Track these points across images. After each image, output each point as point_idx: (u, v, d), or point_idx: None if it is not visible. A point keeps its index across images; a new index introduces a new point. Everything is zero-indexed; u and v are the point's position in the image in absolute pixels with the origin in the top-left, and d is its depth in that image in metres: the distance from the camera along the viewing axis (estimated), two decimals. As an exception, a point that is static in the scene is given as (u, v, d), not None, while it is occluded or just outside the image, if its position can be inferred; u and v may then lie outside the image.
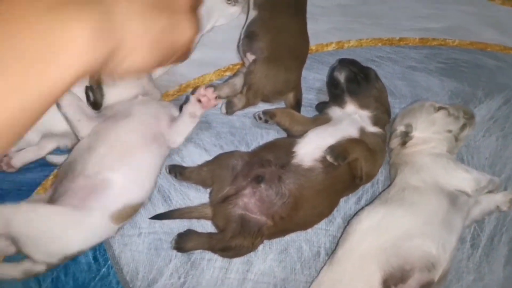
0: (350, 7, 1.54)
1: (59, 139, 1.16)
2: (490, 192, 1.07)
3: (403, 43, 1.44)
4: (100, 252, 1.05)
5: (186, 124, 1.08)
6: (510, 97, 1.33)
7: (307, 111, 1.27)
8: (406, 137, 1.10)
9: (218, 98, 1.28)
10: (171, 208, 1.09)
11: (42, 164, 1.17)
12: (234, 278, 1.04)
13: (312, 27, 1.38)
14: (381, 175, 1.15)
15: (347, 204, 1.13)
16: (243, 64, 1.35)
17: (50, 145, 1.16)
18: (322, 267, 1.01)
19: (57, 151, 1.17)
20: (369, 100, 1.15)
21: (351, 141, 1.04)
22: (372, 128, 1.10)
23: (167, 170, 1.11)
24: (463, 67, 1.39)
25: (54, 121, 1.12)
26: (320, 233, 1.09)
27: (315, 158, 1.03)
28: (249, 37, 1.31)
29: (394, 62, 1.40)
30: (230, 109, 1.26)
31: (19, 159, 1.14)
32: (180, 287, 1.02)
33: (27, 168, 1.16)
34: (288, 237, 1.08)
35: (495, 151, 1.22)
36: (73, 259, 0.99)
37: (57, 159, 1.16)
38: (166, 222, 1.08)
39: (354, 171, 1.04)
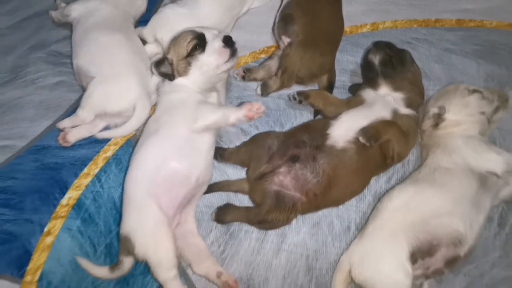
0: (386, -13, 1.55)
1: (110, 118, 1.26)
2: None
3: (439, 25, 1.45)
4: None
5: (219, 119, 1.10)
6: (548, 79, 1.32)
7: (340, 93, 1.31)
8: (438, 119, 1.12)
9: (254, 80, 1.34)
10: (210, 183, 1.17)
11: (93, 141, 1.28)
12: (270, 248, 1.12)
13: (347, 9, 1.41)
14: (412, 156, 1.19)
15: (377, 183, 1.18)
16: (278, 46, 1.40)
17: (102, 123, 1.27)
18: (352, 241, 1.07)
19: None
20: (404, 82, 1.18)
21: (383, 123, 1.09)
22: (405, 110, 1.14)
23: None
24: (501, 49, 1.39)
25: (108, 101, 1.23)
26: (351, 209, 1.15)
27: (348, 139, 1.08)
28: (284, 20, 1.34)
29: (430, 44, 1.41)
30: (265, 91, 1.32)
31: (74, 135, 1.25)
32: (220, 255, 1.11)
33: (79, 144, 1.27)
34: (320, 213, 1.14)
35: (529, 134, 1.23)
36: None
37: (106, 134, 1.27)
38: (206, 196, 1.17)
39: (386, 151, 1.09)
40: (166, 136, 1.08)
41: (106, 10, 1.35)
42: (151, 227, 1.01)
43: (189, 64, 1.15)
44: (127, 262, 1.04)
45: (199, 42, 1.15)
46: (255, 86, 1.34)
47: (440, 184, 1.02)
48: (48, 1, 1.58)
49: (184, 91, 1.15)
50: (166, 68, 1.17)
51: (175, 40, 1.19)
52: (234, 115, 1.07)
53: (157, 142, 1.08)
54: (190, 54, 1.14)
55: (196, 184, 1.09)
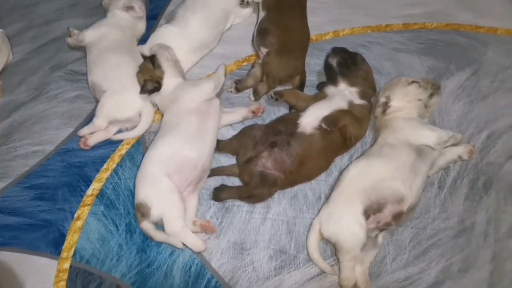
0: (344, 0, 1.83)
1: (121, 124, 1.53)
2: (454, 145, 1.38)
3: (389, 29, 1.73)
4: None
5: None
6: (477, 69, 1.61)
7: (310, 90, 1.58)
8: (386, 106, 1.39)
9: (245, 88, 1.61)
10: (207, 170, 1.44)
11: (109, 143, 1.54)
12: (257, 218, 1.38)
13: (312, 20, 1.70)
14: (369, 137, 1.47)
15: (342, 161, 1.45)
16: (257, 55, 1.67)
17: (115, 128, 1.54)
18: (322, 207, 1.34)
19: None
20: (357, 79, 1.46)
21: (341, 112, 1.37)
22: (359, 101, 1.42)
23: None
24: (440, 46, 1.67)
25: (118, 110, 1.50)
26: (321, 183, 1.42)
27: (314, 126, 1.35)
28: (261, 34, 1.63)
29: (381, 45, 1.69)
30: (257, 96, 1.58)
31: (93, 140, 1.52)
32: (218, 225, 1.37)
33: (98, 146, 1.54)
34: (296, 187, 1.41)
35: (462, 113, 1.51)
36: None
37: (120, 136, 1.54)
38: (204, 180, 1.43)
39: (344, 134, 1.37)
40: (182, 129, 1.37)
41: (114, 34, 1.62)
42: (165, 191, 1.29)
43: (159, 67, 1.48)
44: (146, 225, 1.31)
45: (152, 56, 1.52)
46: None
47: (386, 156, 1.29)
48: (62, 28, 1.83)
49: (173, 85, 1.48)
50: (150, 85, 1.46)
51: (140, 70, 1.53)
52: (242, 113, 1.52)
53: (176, 133, 1.37)
54: (154, 63, 1.49)
55: (201, 170, 1.36)
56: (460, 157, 1.38)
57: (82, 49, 1.70)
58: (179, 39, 1.63)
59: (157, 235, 1.31)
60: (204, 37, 1.67)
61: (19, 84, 1.72)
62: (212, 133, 1.41)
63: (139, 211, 1.32)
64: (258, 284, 1.28)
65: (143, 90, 1.47)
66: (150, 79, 1.48)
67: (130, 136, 1.53)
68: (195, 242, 1.28)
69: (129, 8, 1.67)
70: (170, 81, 1.49)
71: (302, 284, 1.27)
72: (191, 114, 1.40)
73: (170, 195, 1.29)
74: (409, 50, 1.67)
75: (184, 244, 1.29)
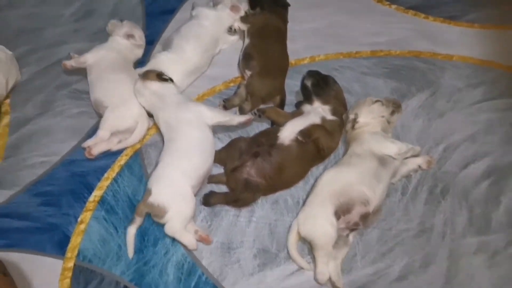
0: (320, 30, 2.07)
1: (122, 134, 1.70)
2: (414, 156, 1.58)
3: (358, 55, 1.96)
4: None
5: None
6: (435, 90, 1.84)
7: (289, 108, 1.78)
8: (354, 122, 1.60)
9: (233, 106, 1.80)
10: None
11: (109, 154, 1.71)
12: (243, 221, 1.55)
13: (292, 47, 1.92)
14: (341, 150, 1.67)
15: (318, 170, 1.64)
16: (243, 77, 1.88)
17: (116, 139, 1.71)
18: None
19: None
20: (329, 98, 1.67)
21: (314, 126, 1.57)
22: (330, 117, 1.63)
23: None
24: (402, 70, 1.91)
25: (119, 121, 1.67)
26: (299, 189, 1.60)
27: (291, 138, 1.55)
28: (245, 58, 1.84)
29: (351, 69, 1.92)
30: (242, 113, 1.77)
31: (96, 150, 1.68)
32: (207, 228, 1.53)
33: (100, 157, 1.69)
34: (277, 193, 1.59)
35: (422, 129, 1.73)
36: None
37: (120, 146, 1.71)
38: (196, 187, 1.60)
39: (318, 146, 1.57)
40: (206, 144, 1.57)
41: (112, 57, 1.80)
42: (187, 201, 1.47)
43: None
44: (139, 221, 1.48)
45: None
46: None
47: (353, 164, 1.49)
48: (66, 51, 1.99)
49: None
50: (166, 76, 1.70)
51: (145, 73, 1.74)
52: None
53: (202, 148, 1.56)
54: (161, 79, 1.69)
55: (204, 180, 1.57)
56: (420, 166, 1.58)
57: (82, 70, 1.85)
58: (176, 64, 1.83)
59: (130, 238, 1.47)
60: (197, 61, 1.88)
61: (26, 102, 1.87)
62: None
63: (150, 210, 1.46)
64: (244, 279, 1.42)
65: (161, 79, 1.67)
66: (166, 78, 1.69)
67: (128, 144, 1.70)
68: (190, 241, 1.45)
69: (129, 36, 1.87)
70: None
71: (282, 279, 1.42)
72: (209, 131, 1.60)
73: (190, 204, 1.47)
74: (375, 74, 1.89)
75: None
